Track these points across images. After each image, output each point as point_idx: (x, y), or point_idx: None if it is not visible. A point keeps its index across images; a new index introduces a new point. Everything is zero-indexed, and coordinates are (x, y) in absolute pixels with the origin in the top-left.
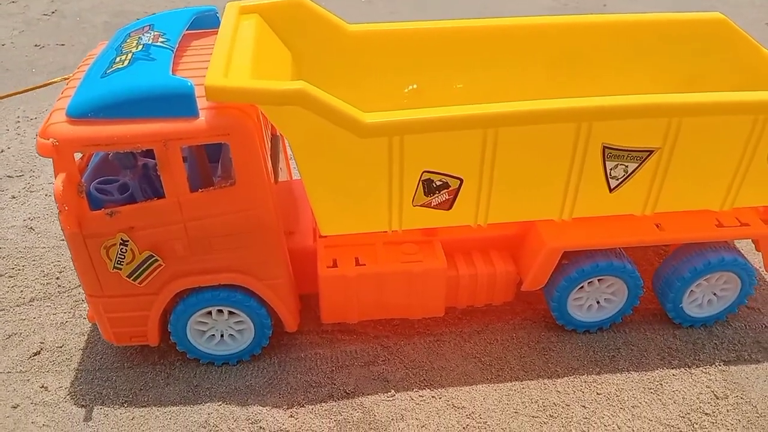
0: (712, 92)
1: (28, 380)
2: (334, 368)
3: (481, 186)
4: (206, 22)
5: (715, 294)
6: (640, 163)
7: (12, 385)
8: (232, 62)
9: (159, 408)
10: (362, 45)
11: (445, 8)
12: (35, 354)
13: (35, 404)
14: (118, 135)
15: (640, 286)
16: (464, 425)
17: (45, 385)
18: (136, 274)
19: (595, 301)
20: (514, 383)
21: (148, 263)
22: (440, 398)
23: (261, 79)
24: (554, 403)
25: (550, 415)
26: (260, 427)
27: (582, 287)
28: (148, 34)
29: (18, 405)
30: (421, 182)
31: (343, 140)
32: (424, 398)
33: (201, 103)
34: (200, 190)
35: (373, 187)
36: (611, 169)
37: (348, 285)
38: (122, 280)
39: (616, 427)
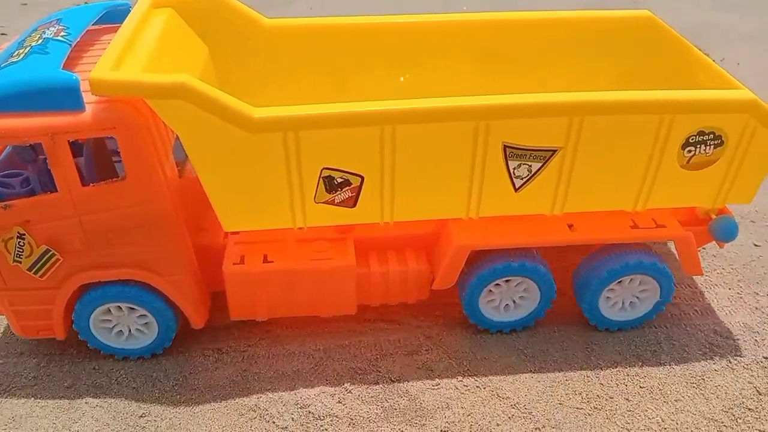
0: (614, 91)
1: (80, 361)
2: (378, 356)
3: (383, 183)
4: (119, 16)
5: (637, 297)
6: (544, 163)
7: (65, 367)
8: (128, 56)
9: (209, 391)
10: (282, 40)
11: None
12: None
13: (88, 385)
14: (6, 128)
15: (552, 288)
16: (509, 415)
17: (97, 366)
18: (36, 267)
19: (511, 300)
20: (557, 375)
21: (46, 257)
22: (484, 388)
23: (158, 72)
24: (598, 395)
25: (594, 407)
26: (309, 412)
27: (493, 287)
28: (53, 28)
29: (72, 385)
30: (321, 179)
31: (232, 135)
32: (468, 387)
33: (91, 97)
34: (91, 185)
35: (271, 183)
36: (514, 169)
37: (254, 282)
38: (24, 273)
39: (660, 420)
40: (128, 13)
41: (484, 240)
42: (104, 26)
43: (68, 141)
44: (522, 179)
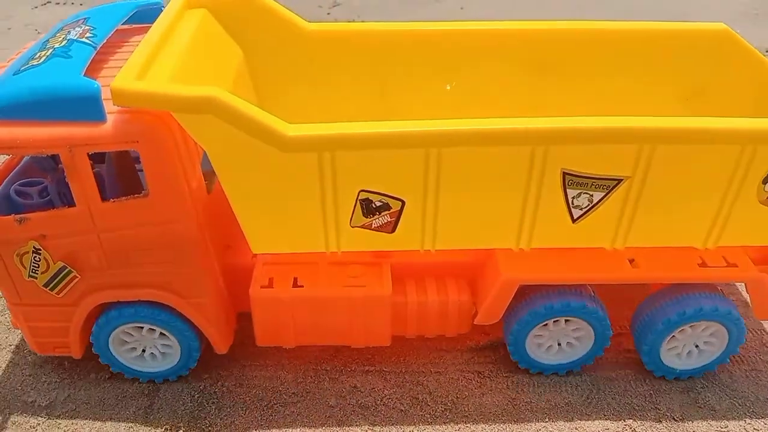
0: (690, 117)
1: (338, 377)
2: (652, 391)
3: (425, 209)
4: (151, 16)
5: (697, 346)
6: (608, 193)
7: (324, 384)
8: (155, 62)
9: (481, 420)
10: (322, 45)
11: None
12: None
13: (353, 405)
14: (21, 138)
15: (608, 335)
16: None
17: (358, 385)
18: (53, 284)
19: (557, 342)
20: None
21: (62, 274)
22: None
23: (188, 81)
24: None
25: None
26: None
27: (545, 326)
28: (79, 29)
29: (336, 405)
30: (358, 202)
31: (264, 154)
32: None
33: (113, 106)
34: (111, 200)
35: (304, 205)
36: (573, 198)
37: (282, 307)
38: (40, 289)
39: None
40: (160, 13)
41: (536, 274)
42: (134, 26)
43: (87, 154)
44: (581, 209)
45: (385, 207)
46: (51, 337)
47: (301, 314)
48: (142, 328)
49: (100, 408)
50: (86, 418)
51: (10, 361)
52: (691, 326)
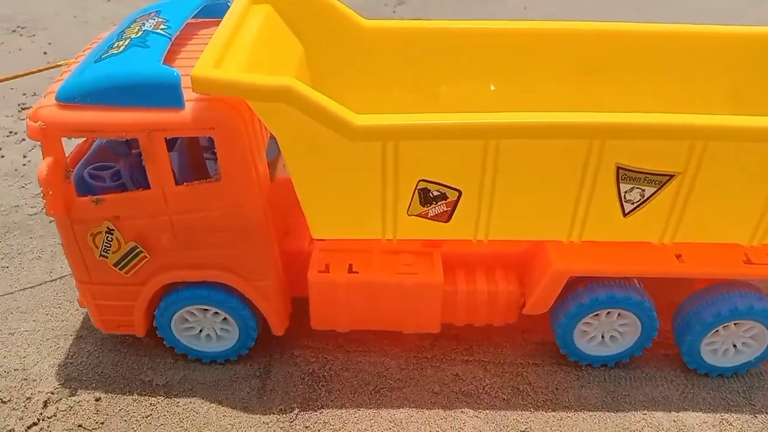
0: (743, 116)
1: (439, 366)
2: (745, 388)
3: (481, 200)
4: (217, 11)
5: (734, 345)
6: (659, 188)
7: (427, 371)
8: (229, 53)
9: (581, 410)
10: (379, 41)
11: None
12: None
13: (456, 392)
14: (102, 122)
15: (655, 326)
16: None
17: (459, 373)
18: (123, 263)
19: (601, 335)
20: None
21: (133, 254)
22: None
23: (258, 72)
24: None
25: None
26: None
27: (594, 317)
28: (152, 21)
29: (440, 392)
30: (416, 191)
31: (332, 142)
32: None
33: (190, 94)
34: (185, 183)
35: (365, 192)
36: (626, 192)
37: (338, 292)
38: (109, 268)
39: None
40: (226, 8)
41: (586, 266)
42: (203, 20)
43: (165, 138)
44: (633, 204)
45: (442, 197)
46: (116, 315)
47: (356, 299)
48: (206, 310)
49: (215, 388)
50: (203, 398)
51: (123, 343)
52: (728, 325)
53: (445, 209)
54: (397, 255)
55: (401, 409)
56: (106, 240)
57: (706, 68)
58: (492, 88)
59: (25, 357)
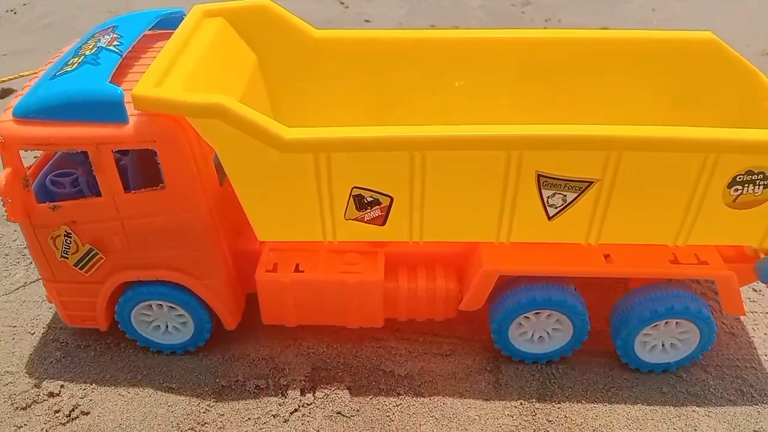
0: (655, 126)
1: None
2: None
3: (412, 205)
4: (174, 23)
5: (671, 341)
6: (580, 193)
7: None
8: (173, 69)
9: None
10: (329, 51)
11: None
12: None
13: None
14: (55, 136)
15: (586, 328)
16: None
17: (681, 375)
18: (81, 263)
19: (544, 332)
20: None
21: (90, 255)
22: None
23: (203, 86)
24: None
25: None
26: None
27: (525, 318)
28: (107, 37)
29: (666, 393)
30: (351, 197)
31: (265, 154)
32: None
33: (135, 109)
34: (133, 191)
35: (303, 199)
36: (548, 198)
37: (284, 290)
38: (71, 268)
39: None
40: (182, 21)
41: (515, 266)
42: (159, 32)
43: (112, 150)
44: (556, 208)
45: (376, 202)
46: (80, 310)
47: (302, 296)
48: (161, 305)
49: (453, 380)
50: (444, 389)
51: (358, 334)
52: (660, 323)
53: (379, 214)
54: (343, 254)
55: (635, 406)
56: (65, 243)
57: (649, 73)
58: (457, 84)
59: (269, 346)
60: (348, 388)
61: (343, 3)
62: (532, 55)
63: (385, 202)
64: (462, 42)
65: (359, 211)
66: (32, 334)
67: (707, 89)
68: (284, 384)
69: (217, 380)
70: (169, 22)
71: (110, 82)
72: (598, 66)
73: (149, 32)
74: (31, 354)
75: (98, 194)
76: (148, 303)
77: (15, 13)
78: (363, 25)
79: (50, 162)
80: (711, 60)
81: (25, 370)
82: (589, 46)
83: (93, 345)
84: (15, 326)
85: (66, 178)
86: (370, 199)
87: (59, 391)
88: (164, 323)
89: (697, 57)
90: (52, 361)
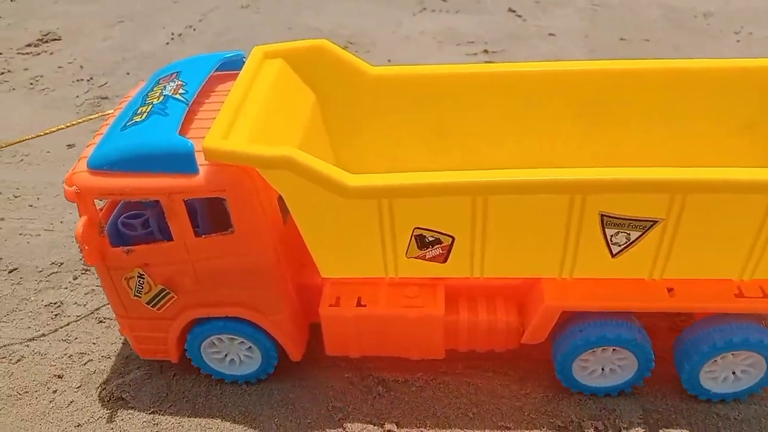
0: (722, 168)
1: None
2: None
3: (473, 245)
4: (236, 64)
5: (734, 373)
6: (644, 232)
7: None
8: (238, 119)
9: None
10: (385, 87)
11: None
12: None
13: None
14: (129, 187)
15: (650, 359)
16: None
17: None
18: (154, 302)
19: (601, 368)
20: None
21: (162, 294)
22: None
23: (267, 134)
24: None
25: None
26: None
27: (588, 355)
28: (172, 84)
29: None
30: (413, 237)
31: (331, 200)
32: None
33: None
34: (203, 236)
35: (365, 239)
36: (612, 236)
37: (347, 324)
38: (143, 306)
39: None
40: (241, 64)
41: (578, 302)
42: (222, 73)
43: (183, 200)
44: (620, 246)
45: (437, 242)
46: (152, 344)
47: (364, 330)
48: (231, 338)
49: None
50: None
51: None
52: (726, 355)
53: (441, 252)
54: (403, 287)
55: None
56: (138, 283)
57: (710, 102)
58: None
59: None
60: None
61: (520, 16)
62: (592, 89)
63: (446, 241)
64: (521, 76)
65: (420, 250)
66: None
67: None
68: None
69: (552, 420)
70: (231, 64)
71: (179, 133)
72: (651, 99)
73: (212, 75)
74: None
75: (169, 238)
76: (218, 336)
77: (194, 29)
78: (546, 39)
79: (120, 204)
80: None
81: None
82: (644, 77)
83: None
84: None
85: (137, 220)
86: (431, 239)
87: None
88: (233, 355)
89: (761, 84)
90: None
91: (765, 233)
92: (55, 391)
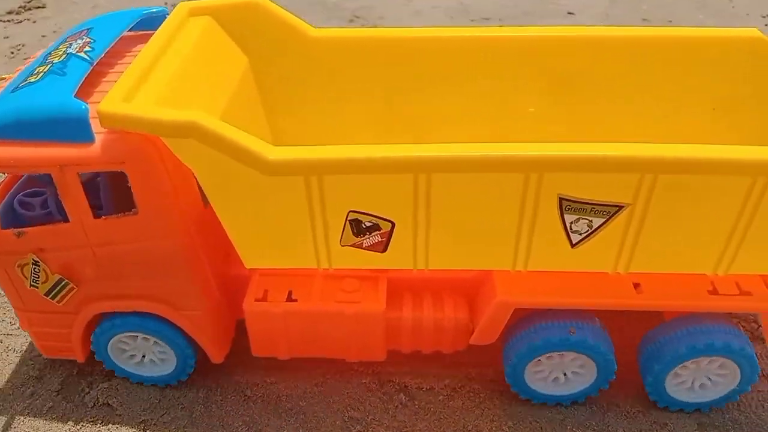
0: (696, 145)
1: None
2: None
3: (416, 231)
4: (156, 24)
5: (709, 378)
6: (608, 218)
7: None
8: (149, 79)
9: None
10: (328, 51)
11: None
12: None
13: None
14: (14, 158)
15: (612, 367)
16: None
17: None
18: (53, 293)
19: (562, 373)
20: None
21: (61, 285)
22: None
23: (181, 98)
24: None
25: None
26: None
27: (543, 359)
28: (80, 41)
29: None
30: (348, 222)
31: (249, 176)
32: None
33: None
34: (103, 217)
35: (293, 224)
36: (571, 223)
37: (275, 320)
38: (42, 297)
39: None
40: (164, 20)
41: (533, 297)
42: (138, 33)
43: (77, 173)
44: (580, 234)
45: (375, 228)
46: (55, 341)
47: (295, 327)
48: (137, 336)
49: None
50: None
51: None
52: (698, 361)
53: (379, 240)
54: (340, 280)
55: None
56: (33, 271)
57: (687, 74)
58: (531, 110)
59: None
60: None
61: None
62: (558, 56)
63: (385, 227)
64: (471, 41)
65: (357, 237)
66: None
67: (749, 93)
68: None
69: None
70: (151, 22)
71: (76, 95)
72: (623, 70)
73: (127, 34)
74: None
75: (66, 219)
76: (127, 334)
77: None
78: (565, 17)
79: (19, 180)
80: (755, 60)
81: None
82: (617, 46)
83: None
84: None
85: (36, 199)
86: (368, 225)
87: None
88: (144, 355)
89: (740, 56)
90: None
91: (744, 221)
92: (32, 395)
